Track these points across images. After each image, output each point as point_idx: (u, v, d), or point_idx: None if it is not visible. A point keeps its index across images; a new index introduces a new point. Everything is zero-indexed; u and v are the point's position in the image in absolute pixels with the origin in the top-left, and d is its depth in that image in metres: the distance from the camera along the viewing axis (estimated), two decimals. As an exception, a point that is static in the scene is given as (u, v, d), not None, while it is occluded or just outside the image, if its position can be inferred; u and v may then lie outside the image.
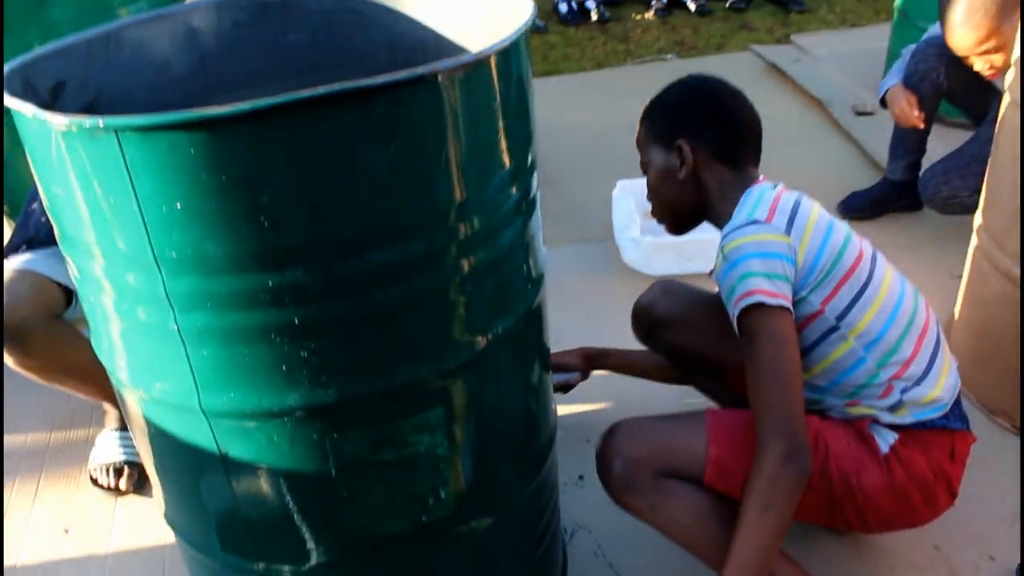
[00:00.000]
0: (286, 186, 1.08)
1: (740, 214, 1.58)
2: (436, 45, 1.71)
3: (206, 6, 1.67)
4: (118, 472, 2.23)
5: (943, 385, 1.64)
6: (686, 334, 1.92)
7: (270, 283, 1.13)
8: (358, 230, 1.14)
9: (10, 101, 1.17)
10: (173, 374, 1.24)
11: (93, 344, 1.44)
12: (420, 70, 1.09)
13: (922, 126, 2.90)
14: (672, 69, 4.53)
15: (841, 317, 1.58)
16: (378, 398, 1.25)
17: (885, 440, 1.62)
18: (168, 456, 1.42)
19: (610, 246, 3.16)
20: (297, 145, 1.07)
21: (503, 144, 1.27)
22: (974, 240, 2.27)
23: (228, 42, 1.70)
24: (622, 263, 2.97)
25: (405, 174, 1.15)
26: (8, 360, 1.96)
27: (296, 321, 1.16)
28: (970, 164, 2.72)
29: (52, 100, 1.42)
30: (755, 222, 1.53)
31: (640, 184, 3.11)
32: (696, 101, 1.67)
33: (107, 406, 2.35)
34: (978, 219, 2.26)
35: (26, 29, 2.68)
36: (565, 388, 2.24)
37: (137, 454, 2.27)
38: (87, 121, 1.05)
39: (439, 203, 1.20)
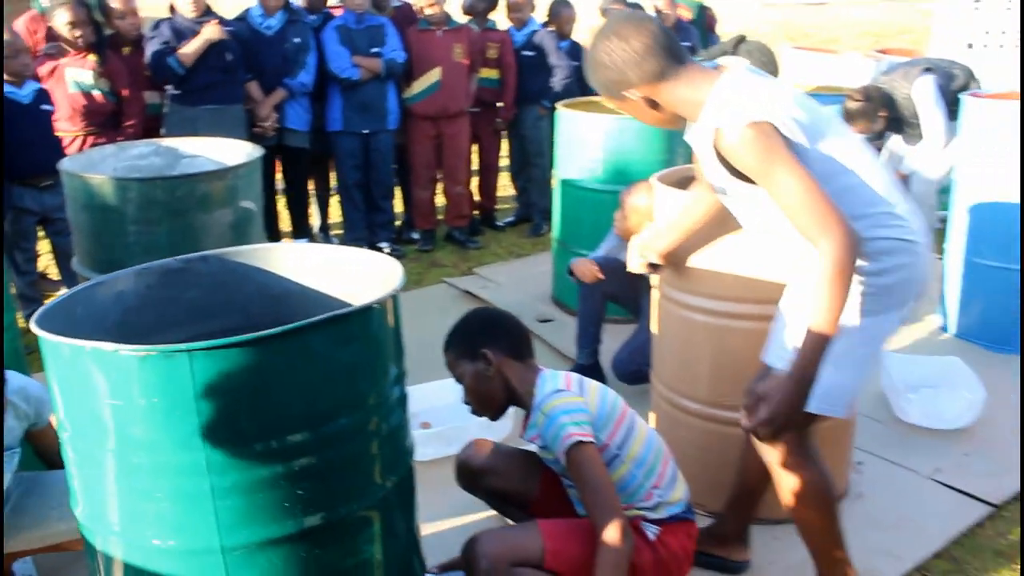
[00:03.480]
0: (289, 381, 1.73)
1: (544, 389, 2.36)
2: (297, 292, 2.40)
3: (127, 274, 2.24)
4: None
5: (681, 489, 2.49)
6: (498, 479, 2.63)
7: (283, 444, 1.73)
8: (327, 407, 1.79)
9: (90, 344, 1.71)
10: (197, 523, 1.76)
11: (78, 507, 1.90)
12: (350, 309, 1.80)
13: (601, 277, 3.91)
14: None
15: (621, 447, 2.38)
16: (347, 520, 1.85)
17: (652, 531, 2.42)
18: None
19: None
20: (296, 355, 1.73)
21: (396, 353, 1.99)
22: (658, 391, 3.21)
23: (143, 299, 2.27)
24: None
25: (355, 371, 1.83)
26: None
27: (296, 468, 1.76)
28: (643, 347, 3.79)
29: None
30: (560, 391, 2.33)
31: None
32: (486, 321, 2.48)
33: None
34: (655, 379, 3.22)
35: None
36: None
37: None
38: (169, 348, 1.64)
39: (368, 389, 1.88)
